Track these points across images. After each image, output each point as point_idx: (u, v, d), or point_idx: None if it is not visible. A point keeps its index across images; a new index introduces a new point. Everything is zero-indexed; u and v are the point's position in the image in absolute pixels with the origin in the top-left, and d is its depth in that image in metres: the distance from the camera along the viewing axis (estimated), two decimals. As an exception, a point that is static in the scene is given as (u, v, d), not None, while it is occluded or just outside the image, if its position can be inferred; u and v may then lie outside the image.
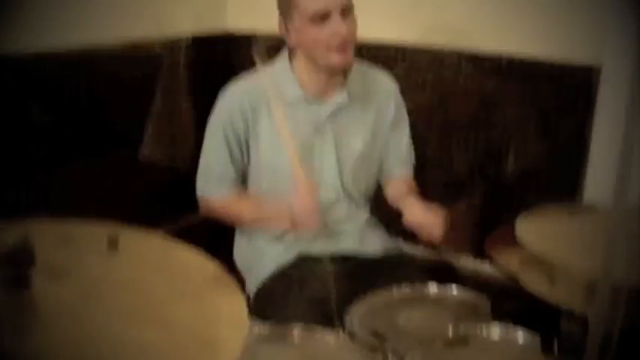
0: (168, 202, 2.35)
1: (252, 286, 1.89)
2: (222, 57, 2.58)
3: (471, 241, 2.26)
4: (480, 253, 2.24)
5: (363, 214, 1.94)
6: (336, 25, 1.68)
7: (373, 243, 1.92)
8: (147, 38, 2.26)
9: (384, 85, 1.95)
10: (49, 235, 1.11)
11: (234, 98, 1.82)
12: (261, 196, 1.86)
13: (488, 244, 1.74)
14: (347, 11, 1.70)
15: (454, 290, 1.69)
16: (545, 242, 1.45)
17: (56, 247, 1.11)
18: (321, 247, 1.84)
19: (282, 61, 1.85)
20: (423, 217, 1.75)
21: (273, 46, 2.46)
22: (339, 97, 1.82)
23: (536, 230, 1.48)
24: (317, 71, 1.79)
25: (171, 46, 2.34)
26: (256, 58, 1.76)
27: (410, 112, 2.02)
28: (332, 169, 1.87)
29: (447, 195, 2.27)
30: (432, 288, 1.69)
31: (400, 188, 1.95)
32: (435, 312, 1.62)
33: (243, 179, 1.89)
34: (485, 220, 2.25)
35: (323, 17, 1.68)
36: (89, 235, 1.18)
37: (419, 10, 2.24)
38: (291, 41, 1.78)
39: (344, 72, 1.82)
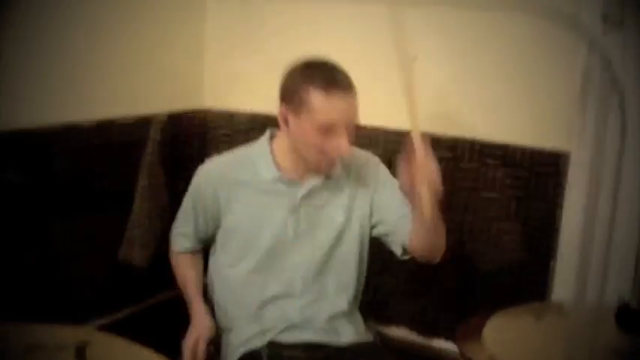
0: (147, 278, 2.34)
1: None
2: (199, 133, 2.59)
3: (445, 326, 2.26)
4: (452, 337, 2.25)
5: (341, 303, 1.88)
6: (339, 140, 1.69)
7: (348, 333, 1.86)
8: (124, 116, 2.28)
9: (369, 166, 1.94)
10: (14, 342, 1.07)
11: (207, 176, 1.88)
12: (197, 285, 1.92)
13: (459, 335, 1.75)
14: (351, 126, 1.73)
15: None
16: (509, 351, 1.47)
17: (21, 356, 1.06)
18: (293, 336, 1.82)
19: (262, 144, 1.87)
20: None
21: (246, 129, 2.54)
22: (313, 180, 1.83)
23: (502, 338, 1.51)
24: (297, 158, 1.80)
25: (147, 122, 2.34)
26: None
27: None
28: (307, 254, 1.84)
29: (421, 277, 2.29)
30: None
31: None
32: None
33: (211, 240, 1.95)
34: (459, 305, 2.25)
35: (330, 128, 1.69)
36: (57, 343, 1.14)
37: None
38: (287, 131, 1.77)
39: None
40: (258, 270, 1.83)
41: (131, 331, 2.17)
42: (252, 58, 2.52)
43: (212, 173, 1.88)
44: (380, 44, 2.20)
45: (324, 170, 1.79)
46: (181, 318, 1.90)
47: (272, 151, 1.84)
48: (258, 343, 1.80)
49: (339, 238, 1.87)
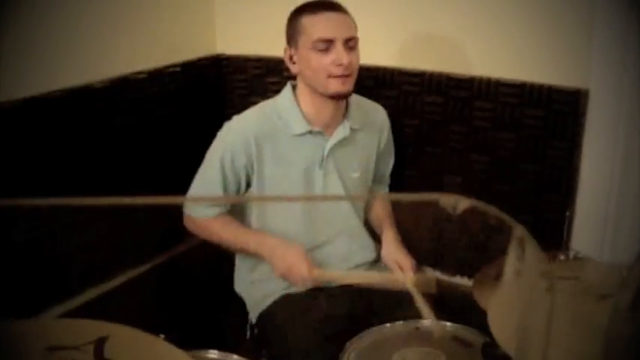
0: (161, 233, 2.36)
1: (253, 313, 1.95)
2: (214, 81, 2.58)
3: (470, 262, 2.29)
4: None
5: (370, 242, 2.03)
6: (337, 55, 1.76)
7: (377, 278, 1.97)
8: (137, 72, 2.26)
9: (379, 116, 2.06)
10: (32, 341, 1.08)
11: (238, 133, 1.87)
12: (254, 228, 1.94)
13: (474, 285, 1.78)
14: (351, 43, 1.78)
15: (447, 326, 1.73)
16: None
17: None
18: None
19: (286, 96, 1.90)
20: (397, 258, 1.91)
21: (262, 73, 2.52)
22: (341, 131, 1.88)
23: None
24: (320, 102, 1.84)
25: (161, 75, 2.33)
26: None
27: (400, 134, 2.12)
28: (344, 203, 1.98)
29: (438, 216, 2.31)
30: (426, 324, 1.72)
31: (379, 213, 2.09)
32: (429, 349, 1.65)
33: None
34: (478, 245, 2.27)
35: (327, 46, 1.75)
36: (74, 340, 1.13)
37: (407, 32, 2.23)
38: (295, 69, 1.84)
39: (345, 105, 1.88)
40: (297, 225, 1.91)
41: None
42: (262, 3, 2.47)
43: (241, 132, 1.86)
44: None
45: (337, 95, 1.82)
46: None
47: (297, 102, 1.87)
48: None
49: (357, 188, 1.98)
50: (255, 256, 1.94)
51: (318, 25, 1.78)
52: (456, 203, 0.88)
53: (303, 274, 1.77)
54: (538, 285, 1.34)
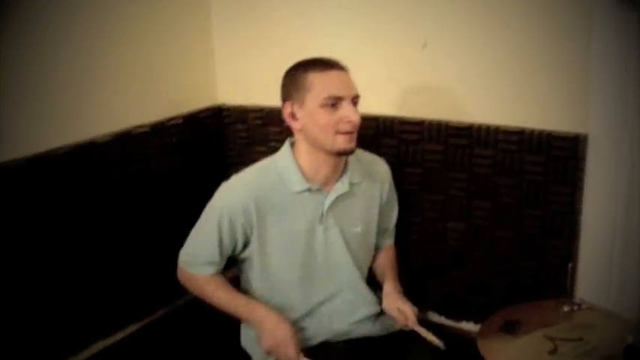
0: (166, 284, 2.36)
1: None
2: (215, 131, 2.60)
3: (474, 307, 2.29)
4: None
5: (372, 297, 2.02)
6: (347, 112, 1.78)
7: (380, 327, 1.99)
8: (139, 125, 2.29)
9: (379, 169, 2.06)
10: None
11: (237, 196, 1.86)
12: (256, 286, 1.93)
13: (479, 335, 1.78)
14: (355, 100, 1.82)
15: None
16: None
17: None
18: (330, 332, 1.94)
19: (285, 154, 1.90)
20: (399, 305, 1.90)
21: (263, 123, 2.54)
22: (340, 187, 1.90)
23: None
24: (320, 160, 1.85)
25: (163, 126, 2.36)
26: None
27: (401, 182, 2.15)
28: (346, 258, 1.95)
29: (444, 263, 2.31)
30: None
31: (382, 263, 2.11)
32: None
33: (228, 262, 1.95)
34: (482, 288, 2.27)
35: (335, 103, 1.77)
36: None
37: (406, 81, 2.26)
38: (297, 125, 1.84)
39: (344, 160, 1.90)
40: (301, 282, 1.92)
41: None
42: (262, 55, 2.51)
43: (240, 195, 1.85)
44: (393, 40, 2.22)
45: (345, 151, 1.83)
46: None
47: (296, 160, 1.87)
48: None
49: (358, 244, 1.99)
50: None
51: (328, 83, 1.78)
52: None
53: (289, 356, 1.77)
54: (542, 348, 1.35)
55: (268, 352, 1.81)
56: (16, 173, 1.90)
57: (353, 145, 1.82)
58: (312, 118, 1.80)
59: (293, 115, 1.84)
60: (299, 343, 1.81)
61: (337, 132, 1.79)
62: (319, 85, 1.78)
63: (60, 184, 2.03)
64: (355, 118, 1.78)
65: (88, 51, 2.10)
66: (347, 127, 1.79)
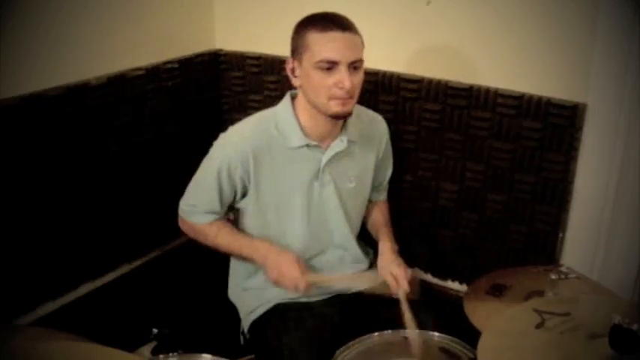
0: (158, 228, 2.37)
1: (245, 321, 1.97)
2: (211, 77, 2.57)
3: (461, 267, 2.32)
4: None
5: (360, 254, 2.04)
6: (341, 77, 1.73)
7: (368, 280, 1.97)
8: (134, 68, 2.25)
9: (378, 128, 2.05)
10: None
11: (235, 146, 1.85)
12: (246, 233, 1.94)
13: (465, 297, 1.81)
14: (355, 66, 1.75)
15: (435, 336, 1.75)
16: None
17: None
18: (318, 290, 1.93)
19: (285, 107, 1.88)
20: (392, 269, 1.88)
21: (259, 71, 2.51)
22: (338, 145, 1.89)
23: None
24: (318, 117, 1.83)
25: (158, 70, 2.32)
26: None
27: (397, 140, 2.13)
28: (338, 214, 1.96)
29: (434, 222, 2.33)
30: (414, 334, 1.73)
31: (377, 220, 2.11)
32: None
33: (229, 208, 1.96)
34: (470, 249, 2.29)
35: (330, 66, 1.73)
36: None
37: (409, 38, 2.22)
38: (296, 82, 1.82)
39: (344, 119, 1.87)
40: (295, 235, 1.92)
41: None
42: (262, 2, 2.46)
43: (238, 145, 1.84)
44: None
45: (338, 116, 1.80)
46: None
47: (296, 114, 1.85)
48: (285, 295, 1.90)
49: (352, 198, 1.99)
50: (249, 264, 1.95)
51: (324, 45, 1.72)
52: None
53: (295, 280, 1.78)
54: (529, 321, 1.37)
55: (276, 283, 1.83)
56: (11, 112, 1.88)
57: (348, 108, 1.78)
58: (307, 78, 1.77)
59: (293, 71, 1.81)
60: (303, 266, 1.83)
61: (331, 96, 1.75)
62: (315, 46, 1.73)
63: (54, 124, 2.01)
64: (348, 85, 1.71)
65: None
66: (340, 93, 1.74)
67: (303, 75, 1.78)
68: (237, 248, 1.92)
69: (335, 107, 1.77)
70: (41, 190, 2.00)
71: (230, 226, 1.94)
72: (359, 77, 1.77)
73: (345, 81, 1.72)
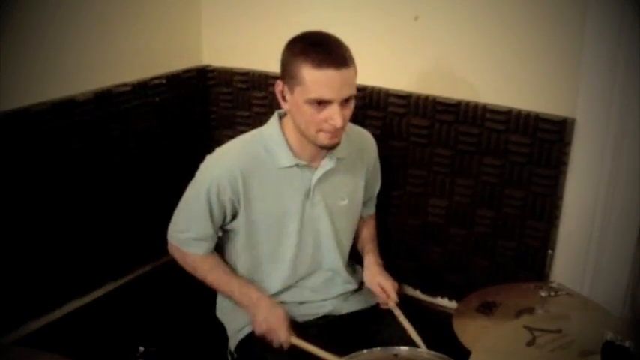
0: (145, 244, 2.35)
1: (233, 340, 1.94)
2: (199, 93, 2.55)
3: (451, 283, 2.31)
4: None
5: (350, 274, 2.03)
6: (333, 113, 1.69)
7: (357, 302, 2.00)
8: (120, 84, 2.24)
9: (366, 144, 2.04)
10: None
11: (223, 168, 1.82)
12: (238, 275, 1.93)
13: (455, 314, 1.80)
14: (347, 101, 1.71)
15: (425, 353, 1.73)
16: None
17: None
18: (306, 311, 1.94)
19: (273, 127, 1.86)
20: (380, 281, 1.92)
21: (247, 87, 2.50)
22: (328, 163, 1.87)
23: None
24: (307, 141, 1.81)
25: (145, 85, 2.31)
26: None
27: (385, 155, 2.13)
28: (329, 234, 1.94)
29: (423, 238, 2.32)
30: (403, 351, 1.71)
31: (363, 236, 2.12)
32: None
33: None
34: (459, 266, 2.28)
35: (322, 103, 1.69)
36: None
37: (396, 53, 2.22)
38: (285, 106, 1.79)
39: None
40: (285, 257, 1.91)
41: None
42: (250, 18, 2.45)
43: (226, 167, 1.81)
44: (385, 10, 2.18)
45: (326, 147, 1.79)
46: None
47: (284, 135, 1.83)
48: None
49: (344, 216, 1.98)
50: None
51: (318, 83, 1.66)
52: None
53: (281, 341, 1.77)
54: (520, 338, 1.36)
55: (261, 336, 1.81)
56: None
57: (336, 140, 1.76)
58: (297, 108, 1.72)
59: (283, 95, 1.77)
60: (290, 326, 1.80)
61: (320, 130, 1.72)
62: (309, 82, 1.67)
63: (39, 140, 1.99)
64: (339, 123, 1.68)
65: (69, 6, 2.04)
66: (329, 129, 1.71)
67: (292, 103, 1.74)
68: (228, 290, 1.90)
69: (324, 140, 1.74)
70: (25, 207, 1.98)
71: (223, 265, 1.92)
72: (350, 109, 1.74)
73: (337, 119, 1.68)
